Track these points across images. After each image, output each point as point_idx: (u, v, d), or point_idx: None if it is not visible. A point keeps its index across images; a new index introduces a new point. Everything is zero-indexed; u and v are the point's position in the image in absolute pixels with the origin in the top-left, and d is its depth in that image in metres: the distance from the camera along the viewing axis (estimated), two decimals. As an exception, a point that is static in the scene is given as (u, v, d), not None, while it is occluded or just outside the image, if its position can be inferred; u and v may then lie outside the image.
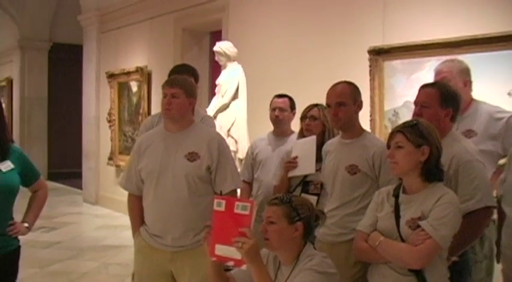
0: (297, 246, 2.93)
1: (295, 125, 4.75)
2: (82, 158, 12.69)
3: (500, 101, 4.34)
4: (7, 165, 3.48)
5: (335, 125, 3.94)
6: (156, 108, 9.92)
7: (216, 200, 2.82)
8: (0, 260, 3.47)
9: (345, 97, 3.70)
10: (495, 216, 3.47)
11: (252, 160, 5.00)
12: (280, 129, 4.91)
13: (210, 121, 4.89)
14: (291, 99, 4.92)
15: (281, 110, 4.85)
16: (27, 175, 3.63)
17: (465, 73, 4.00)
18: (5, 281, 3.56)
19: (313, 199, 3.97)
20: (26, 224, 3.65)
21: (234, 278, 3.08)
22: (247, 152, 5.19)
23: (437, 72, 4.03)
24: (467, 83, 4.00)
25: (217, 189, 3.61)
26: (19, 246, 3.61)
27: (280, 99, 4.91)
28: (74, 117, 14.33)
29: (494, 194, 3.42)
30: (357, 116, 3.76)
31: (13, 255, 3.57)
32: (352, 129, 3.74)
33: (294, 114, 4.92)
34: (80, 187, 13.28)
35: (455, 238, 2.90)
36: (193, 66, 4.94)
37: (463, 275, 3.37)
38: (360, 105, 3.76)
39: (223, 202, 2.78)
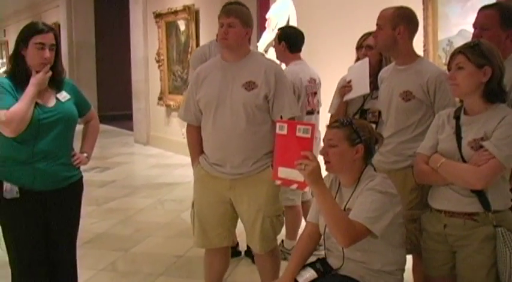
0: (358, 168, 2.97)
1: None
2: (132, 100, 12.81)
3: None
4: (64, 96, 3.55)
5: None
6: (205, 46, 9.91)
7: (278, 124, 2.86)
8: (69, 189, 3.58)
9: (382, 20, 3.66)
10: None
11: None
12: None
13: None
14: None
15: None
16: (81, 105, 3.69)
17: None
18: (73, 211, 3.69)
19: (371, 127, 3.97)
20: (85, 154, 3.74)
21: (312, 223, 3.16)
22: None
23: None
24: None
25: (274, 117, 3.63)
26: (82, 177, 3.71)
27: None
28: (122, 59, 14.47)
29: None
30: (407, 41, 3.64)
31: (78, 185, 3.68)
32: (404, 55, 3.66)
33: None
34: (130, 129, 13.47)
35: (518, 160, 2.88)
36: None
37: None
38: (402, 32, 3.59)
39: (285, 126, 2.82)
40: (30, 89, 3.35)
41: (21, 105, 3.31)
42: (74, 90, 3.67)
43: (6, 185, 3.41)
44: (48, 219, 3.53)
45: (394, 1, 3.92)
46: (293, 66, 4.91)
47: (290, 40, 5.08)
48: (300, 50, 5.15)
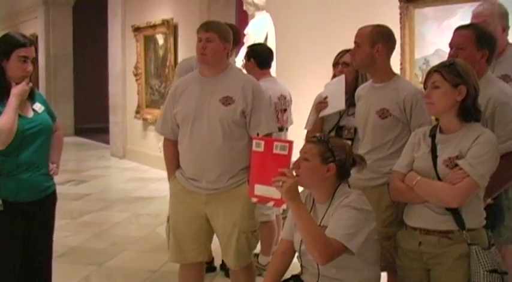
0: (330, 186, 2.97)
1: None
2: (109, 113, 12.74)
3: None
4: (39, 107, 3.58)
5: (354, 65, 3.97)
6: (183, 61, 9.91)
7: (254, 141, 2.86)
8: (46, 200, 3.61)
9: (360, 38, 3.67)
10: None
11: None
12: None
13: None
14: None
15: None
16: (50, 116, 3.71)
17: (504, 18, 3.91)
18: (50, 223, 3.71)
19: (346, 144, 3.99)
20: (55, 164, 3.75)
21: (286, 239, 3.14)
22: None
23: (476, 15, 3.90)
24: (506, 28, 3.93)
25: (251, 133, 3.64)
26: (55, 188, 3.73)
27: None
28: (100, 72, 14.44)
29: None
30: (385, 59, 3.67)
31: (54, 196, 3.70)
32: (382, 72, 3.69)
33: None
34: (106, 142, 13.38)
35: (491, 179, 2.90)
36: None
37: (497, 219, 3.37)
38: (380, 50, 3.62)
39: (262, 143, 2.81)
40: (13, 100, 3.36)
41: (7, 117, 3.31)
42: (45, 101, 3.72)
43: None
44: (29, 231, 3.53)
45: (372, 19, 3.96)
46: (262, 82, 4.90)
47: (259, 57, 5.12)
48: (269, 66, 5.19)
